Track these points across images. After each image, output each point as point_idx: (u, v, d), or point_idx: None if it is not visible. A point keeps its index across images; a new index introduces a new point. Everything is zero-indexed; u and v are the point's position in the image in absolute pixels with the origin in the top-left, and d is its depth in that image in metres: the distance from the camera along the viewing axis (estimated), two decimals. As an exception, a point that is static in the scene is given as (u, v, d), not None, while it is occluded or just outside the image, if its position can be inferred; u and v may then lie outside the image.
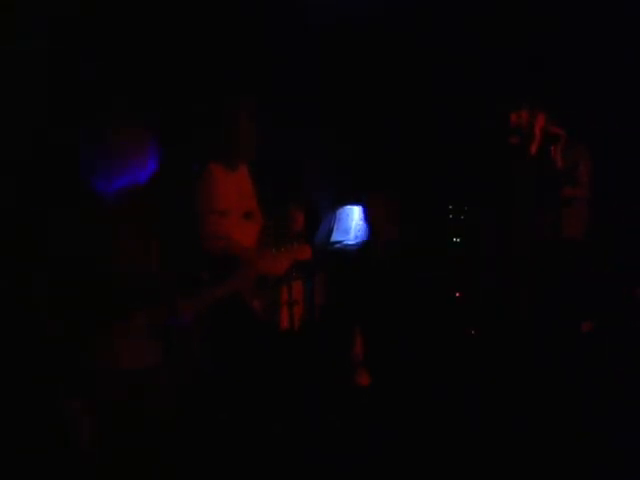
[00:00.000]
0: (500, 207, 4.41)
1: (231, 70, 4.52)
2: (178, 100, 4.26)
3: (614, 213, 4.57)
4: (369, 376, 4.62)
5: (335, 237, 5.02)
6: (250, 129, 3.53)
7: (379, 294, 4.77)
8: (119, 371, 2.51)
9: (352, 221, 5.02)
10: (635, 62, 4.71)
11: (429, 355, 4.42)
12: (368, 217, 4.99)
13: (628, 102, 4.75)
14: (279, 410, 3.17)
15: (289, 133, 4.60)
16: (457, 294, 4.82)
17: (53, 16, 3.89)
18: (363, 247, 4.96)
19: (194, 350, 2.97)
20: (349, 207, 5.08)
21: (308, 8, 4.85)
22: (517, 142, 4.33)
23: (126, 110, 2.79)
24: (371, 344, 4.63)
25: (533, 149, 4.28)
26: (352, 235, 5.01)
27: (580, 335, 3.81)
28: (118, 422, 2.50)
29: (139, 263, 2.62)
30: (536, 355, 3.82)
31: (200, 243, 3.35)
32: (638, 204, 4.62)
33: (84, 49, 3.97)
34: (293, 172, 4.62)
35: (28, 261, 2.50)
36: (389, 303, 4.74)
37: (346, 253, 4.90)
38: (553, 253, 4.16)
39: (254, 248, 3.53)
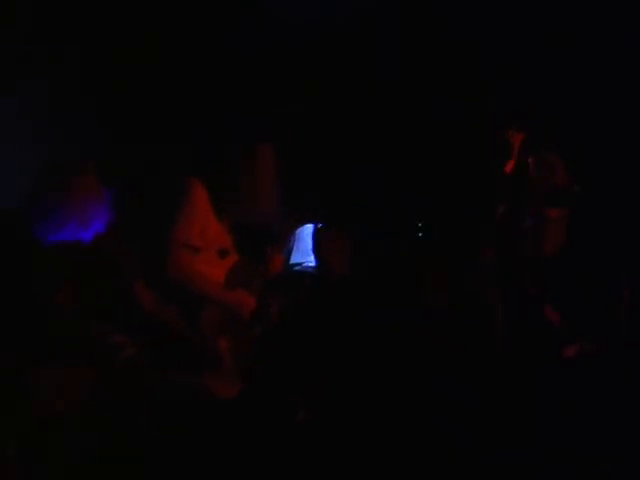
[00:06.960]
0: (482, 223, 4.30)
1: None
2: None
3: (595, 225, 4.47)
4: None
5: (295, 258, 4.66)
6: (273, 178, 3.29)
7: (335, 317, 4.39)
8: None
9: (313, 241, 4.69)
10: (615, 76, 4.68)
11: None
12: (318, 253, 4.65)
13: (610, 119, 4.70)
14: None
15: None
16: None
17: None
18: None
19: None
20: (309, 226, 4.72)
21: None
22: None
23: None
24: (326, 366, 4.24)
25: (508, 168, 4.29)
26: (313, 256, 4.69)
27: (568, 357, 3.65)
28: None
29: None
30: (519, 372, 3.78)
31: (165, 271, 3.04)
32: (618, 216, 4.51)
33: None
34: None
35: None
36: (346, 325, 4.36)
37: (305, 274, 4.55)
38: (535, 269, 4.15)
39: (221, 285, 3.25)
